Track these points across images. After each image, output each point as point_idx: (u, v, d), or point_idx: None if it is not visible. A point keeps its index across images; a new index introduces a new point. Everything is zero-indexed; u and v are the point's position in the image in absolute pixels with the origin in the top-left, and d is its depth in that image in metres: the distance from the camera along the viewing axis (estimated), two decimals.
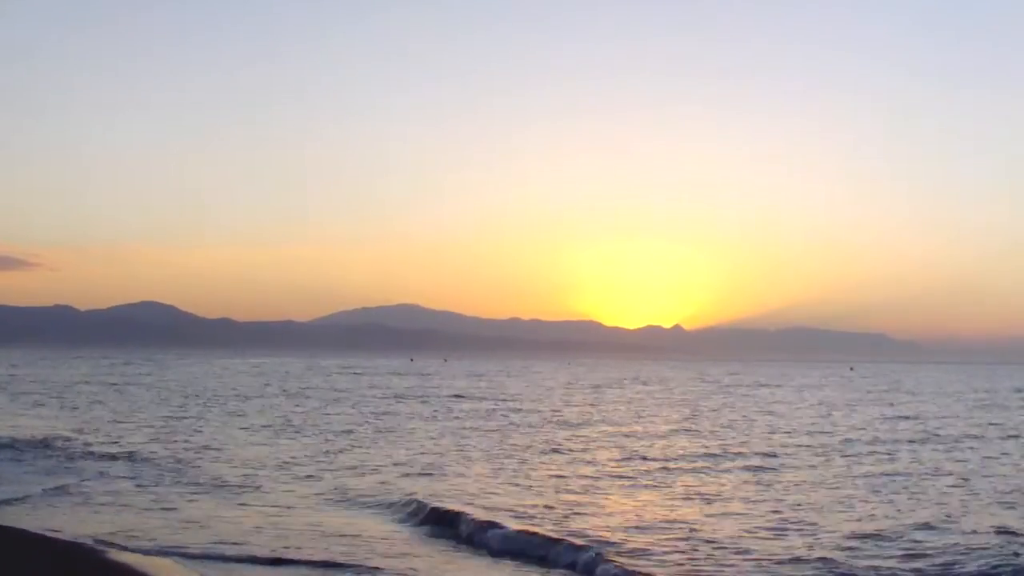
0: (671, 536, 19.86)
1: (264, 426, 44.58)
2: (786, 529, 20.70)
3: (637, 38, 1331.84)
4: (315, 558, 17.86)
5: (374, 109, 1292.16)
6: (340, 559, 17.82)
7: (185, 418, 48.31)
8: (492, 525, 20.79)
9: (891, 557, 17.86)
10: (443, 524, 21.72)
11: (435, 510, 22.72)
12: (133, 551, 17.83)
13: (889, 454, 35.24)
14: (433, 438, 39.68)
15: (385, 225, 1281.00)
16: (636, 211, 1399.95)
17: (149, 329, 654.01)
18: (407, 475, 28.92)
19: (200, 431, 41.34)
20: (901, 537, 19.68)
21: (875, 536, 19.86)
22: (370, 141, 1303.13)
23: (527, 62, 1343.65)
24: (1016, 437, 43.52)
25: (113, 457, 31.83)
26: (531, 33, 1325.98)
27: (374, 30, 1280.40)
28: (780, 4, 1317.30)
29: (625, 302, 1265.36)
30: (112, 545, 18.21)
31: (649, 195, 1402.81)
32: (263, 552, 18.32)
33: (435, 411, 56.52)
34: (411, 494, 24.68)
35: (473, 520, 21.36)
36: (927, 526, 20.67)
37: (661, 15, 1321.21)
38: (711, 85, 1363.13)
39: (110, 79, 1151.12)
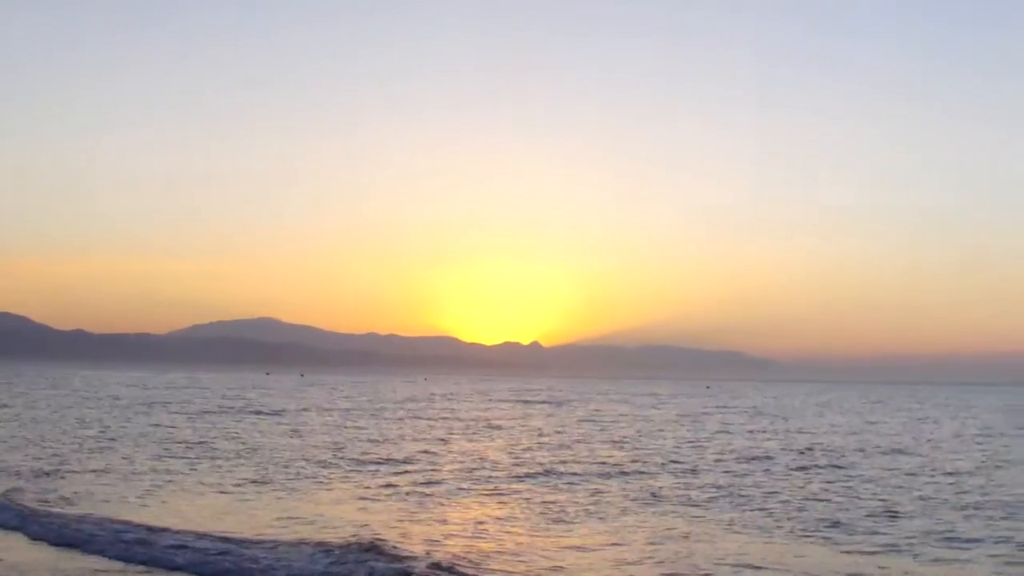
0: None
1: None
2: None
3: (497, 70, 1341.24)
4: None
5: (232, 120, 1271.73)
6: None
7: None
8: None
9: None
10: None
11: None
12: None
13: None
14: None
15: (243, 237, 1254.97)
16: (496, 229, 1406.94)
17: None
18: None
19: None
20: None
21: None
22: (228, 153, 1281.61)
23: (391, 76, 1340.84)
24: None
25: None
26: (395, 54, 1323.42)
27: (236, 42, 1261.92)
28: (624, 35, 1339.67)
29: (484, 319, 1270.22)
30: None
31: (510, 214, 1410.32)
32: None
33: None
34: None
35: None
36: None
37: (519, 41, 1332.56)
38: (568, 108, 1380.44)
39: None
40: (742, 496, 27.95)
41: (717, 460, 38.69)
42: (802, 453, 43.37)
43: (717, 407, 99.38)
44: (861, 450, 45.74)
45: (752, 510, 25.33)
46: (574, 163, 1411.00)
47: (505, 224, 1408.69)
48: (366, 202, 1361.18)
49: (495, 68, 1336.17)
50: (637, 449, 43.75)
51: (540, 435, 52.14)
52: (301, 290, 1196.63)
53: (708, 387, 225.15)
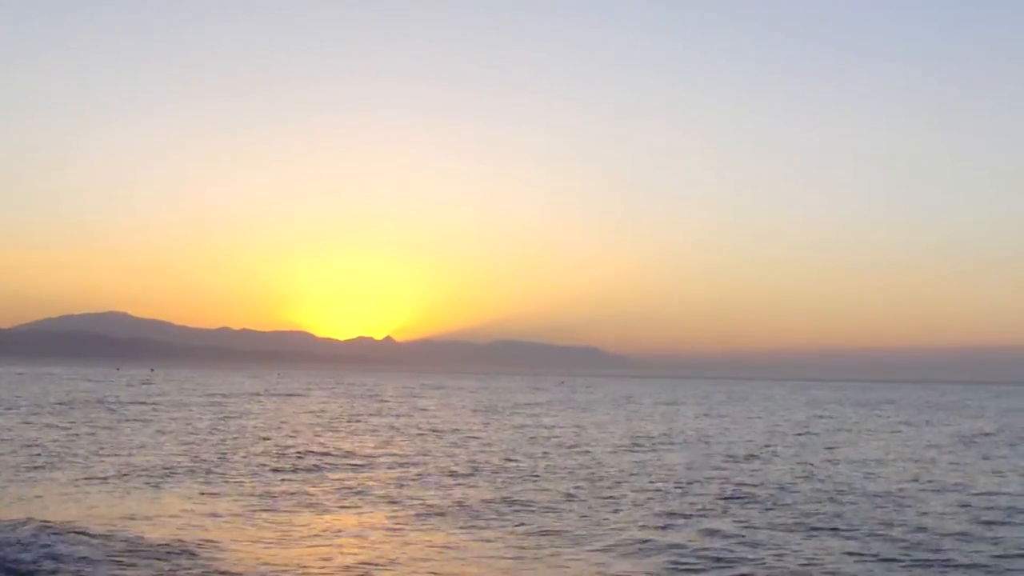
0: None
1: None
2: None
3: (348, 73, 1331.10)
4: None
5: (79, 105, 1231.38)
6: None
7: None
8: None
9: None
10: None
11: None
12: None
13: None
14: None
15: (91, 229, 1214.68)
16: (349, 224, 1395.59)
17: None
18: None
19: None
20: None
21: None
22: (75, 140, 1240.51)
23: (248, 73, 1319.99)
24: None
25: None
26: (256, 51, 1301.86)
27: (79, 23, 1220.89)
28: (496, 10, 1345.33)
29: (337, 313, 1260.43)
30: None
31: (364, 209, 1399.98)
32: None
33: None
34: None
35: None
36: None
37: (387, 24, 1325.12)
38: (422, 106, 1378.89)
39: None
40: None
41: (448, 454, 40.34)
42: (573, 446, 45.26)
43: (530, 403, 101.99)
44: (636, 444, 47.07)
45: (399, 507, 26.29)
46: (429, 159, 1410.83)
47: (358, 219, 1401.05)
48: (218, 195, 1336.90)
49: (346, 70, 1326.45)
50: (386, 444, 45.53)
51: (303, 431, 53.50)
52: (152, 283, 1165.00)
53: (563, 382, 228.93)
